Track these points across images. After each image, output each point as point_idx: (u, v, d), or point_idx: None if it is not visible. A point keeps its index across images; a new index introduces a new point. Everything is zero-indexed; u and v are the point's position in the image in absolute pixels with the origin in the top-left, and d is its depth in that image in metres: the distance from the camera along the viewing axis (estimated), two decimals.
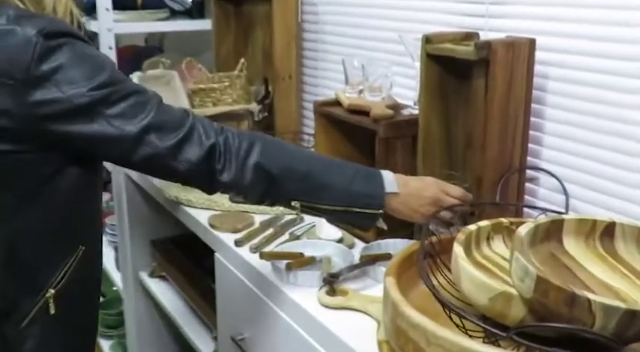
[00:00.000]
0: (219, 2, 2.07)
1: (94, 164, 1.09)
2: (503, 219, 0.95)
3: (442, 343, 0.74)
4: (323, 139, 1.50)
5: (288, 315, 1.13)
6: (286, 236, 1.36)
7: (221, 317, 1.43)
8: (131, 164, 1.03)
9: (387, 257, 1.16)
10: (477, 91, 1.18)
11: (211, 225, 1.42)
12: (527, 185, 1.26)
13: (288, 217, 1.43)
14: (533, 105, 1.20)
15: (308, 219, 1.39)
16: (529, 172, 1.25)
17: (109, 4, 2.03)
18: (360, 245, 1.29)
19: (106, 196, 2.48)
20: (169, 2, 2.29)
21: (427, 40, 1.21)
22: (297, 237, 1.34)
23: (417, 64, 1.29)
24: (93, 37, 2.04)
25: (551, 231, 0.88)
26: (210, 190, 1.07)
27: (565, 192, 1.15)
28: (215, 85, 1.81)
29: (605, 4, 1.13)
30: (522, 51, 1.15)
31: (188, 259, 1.80)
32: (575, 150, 1.20)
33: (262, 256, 1.20)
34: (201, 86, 1.82)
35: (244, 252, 1.29)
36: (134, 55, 2.55)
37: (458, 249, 0.84)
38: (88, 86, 0.95)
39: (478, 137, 1.18)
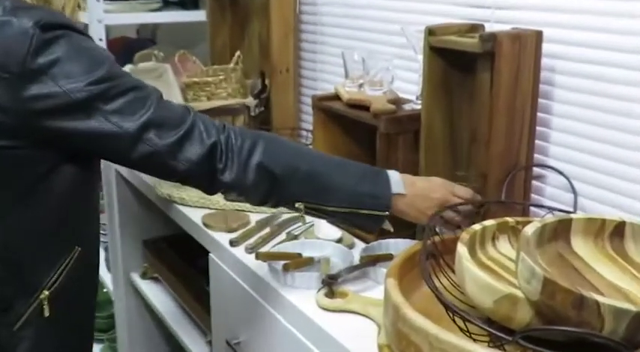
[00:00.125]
0: None
1: (91, 161, 1.09)
2: (508, 219, 0.95)
3: (445, 347, 0.74)
4: (322, 135, 1.50)
5: (285, 318, 1.13)
6: (283, 235, 1.36)
7: (215, 320, 1.43)
8: (129, 162, 1.03)
9: (388, 257, 1.16)
10: (482, 85, 1.18)
11: (205, 224, 1.42)
12: (534, 183, 1.26)
13: (285, 216, 1.43)
14: (540, 100, 1.20)
15: (306, 217, 1.39)
16: (536, 170, 1.25)
17: None
18: (360, 245, 1.29)
19: None
20: None
21: (430, 32, 1.21)
22: (295, 237, 1.34)
23: (420, 57, 1.29)
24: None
25: (559, 231, 0.88)
26: (210, 190, 1.07)
27: (573, 190, 1.15)
28: (210, 79, 1.80)
29: None
30: (529, 43, 1.15)
31: (181, 260, 1.80)
32: (584, 147, 1.20)
33: (258, 257, 1.20)
34: (195, 80, 1.81)
35: (240, 252, 1.29)
36: (125, 47, 2.55)
37: (462, 250, 0.84)
38: (85, 81, 0.95)
39: (483, 133, 1.18)
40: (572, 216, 0.91)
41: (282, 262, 1.16)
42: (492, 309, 0.78)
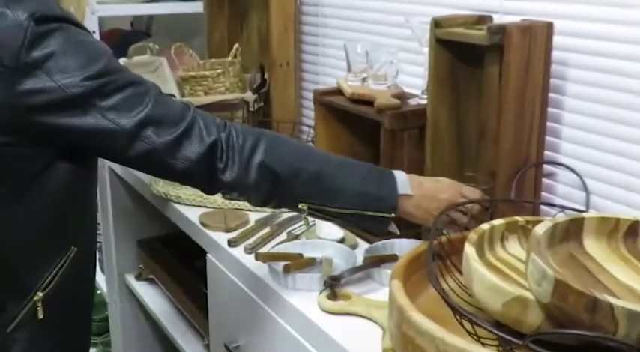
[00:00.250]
0: None
1: (88, 159, 1.09)
2: (518, 218, 0.95)
3: (452, 351, 0.74)
4: (323, 131, 1.50)
5: (285, 321, 1.13)
6: (284, 235, 1.36)
7: (213, 323, 1.43)
8: (126, 160, 1.03)
9: (392, 258, 1.16)
10: (490, 79, 1.18)
11: (202, 224, 1.42)
12: (545, 181, 1.26)
13: (285, 215, 1.43)
14: (550, 95, 1.20)
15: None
16: (546, 167, 1.25)
17: None
18: (363, 245, 1.29)
19: None
20: None
21: (436, 23, 1.21)
22: (296, 237, 1.34)
23: (426, 50, 1.29)
24: None
25: (571, 231, 0.88)
26: (210, 190, 1.07)
27: (585, 188, 1.15)
28: (207, 73, 1.81)
29: None
30: (539, 35, 1.15)
31: (177, 260, 1.80)
32: (597, 143, 1.20)
33: (258, 257, 1.20)
34: (192, 73, 1.82)
35: (238, 252, 1.29)
36: (119, 39, 2.54)
37: (469, 250, 0.84)
38: (81, 75, 0.95)
39: (491, 129, 1.18)
40: (585, 215, 0.91)
41: (283, 263, 1.16)
42: (501, 312, 0.78)
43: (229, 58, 1.87)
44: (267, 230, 1.38)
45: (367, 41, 1.59)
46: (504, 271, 0.88)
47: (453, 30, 1.20)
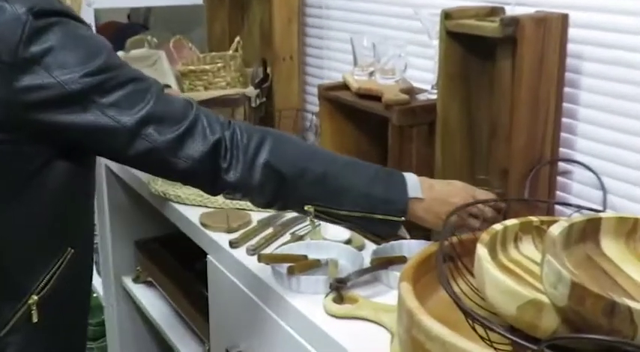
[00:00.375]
0: None
1: (87, 158, 1.10)
2: (532, 218, 0.95)
3: None
4: (328, 127, 1.50)
5: (289, 325, 1.13)
6: (287, 236, 1.36)
7: (214, 327, 1.43)
8: (126, 159, 1.03)
9: (401, 260, 1.16)
10: (502, 73, 1.18)
11: (203, 224, 1.42)
12: (560, 179, 1.26)
13: (289, 215, 1.43)
14: (565, 89, 1.20)
15: None
16: (561, 165, 1.25)
17: None
18: (370, 246, 1.29)
19: None
20: None
21: (447, 15, 1.21)
22: (300, 238, 1.34)
23: (435, 43, 1.29)
24: None
25: (587, 231, 0.88)
26: (213, 191, 1.08)
27: (602, 187, 1.15)
28: (207, 67, 1.81)
29: None
30: (554, 28, 1.14)
31: (177, 262, 1.80)
32: (614, 140, 1.20)
33: (261, 259, 1.20)
34: (192, 68, 1.82)
35: (240, 254, 1.29)
36: (116, 32, 2.55)
37: (482, 251, 0.84)
38: (81, 71, 0.96)
39: (504, 125, 1.18)
40: (602, 215, 0.91)
41: (287, 265, 1.16)
42: (515, 316, 0.78)
43: (230, 52, 1.87)
44: (270, 230, 1.38)
45: (374, 34, 1.59)
46: (518, 273, 0.87)
47: (464, 22, 1.20)
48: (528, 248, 0.93)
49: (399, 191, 1.09)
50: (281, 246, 1.30)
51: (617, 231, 0.89)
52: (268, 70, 1.89)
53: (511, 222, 0.93)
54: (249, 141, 1.05)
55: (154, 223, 1.93)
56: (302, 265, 1.17)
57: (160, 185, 1.57)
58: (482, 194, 1.13)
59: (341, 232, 1.31)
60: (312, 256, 1.22)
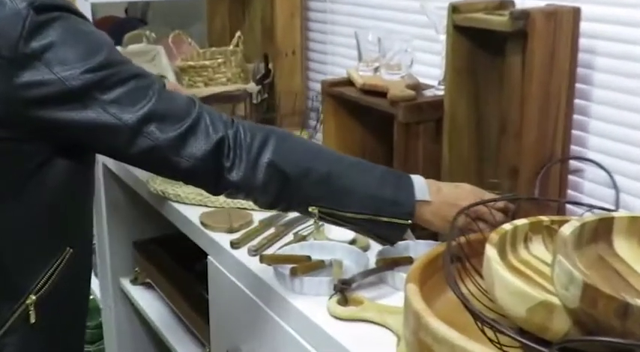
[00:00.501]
0: None
1: (87, 156, 1.10)
2: (543, 217, 0.95)
3: None
4: (332, 124, 1.50)
5: (292, 327, 1.13)
6: (290, 236, 1.36)
7: (215, 329, 1.43)
8: (127, 157, 1.04)
9: (407, 261, 1.16)
10: (512, 69, 1.17)
11: (203, 224, 1.42)
12: (571, 177, 1.26)
13: (291, 215, 1.43)
14: (577, 85, 1.20)
15: None
16: (573, 163, 1.25)
17: None
18: (375, 247, 1.28)
19: None
20: None
21: (454, 9, 1.21)
22: (303, 238, 1.34)
23: (443, 37, 1.29)
24: None
25: (600, 231, 0.88)
26: (216, 190, 1.08)
27: (615, 185, 1.15)
28: (207, 62, 1.81)
29: None
30: (565, 21, 1.14)
31: (176, 263, 1.80)
32: (627, 138, 1.20)
33: (263, 260, 1.20)
34: (191, 63, 1.82)
35: (242, 254, 1.29)
36: (113, 27, 2.55)
37: (491, 252, 0.84)
38: (82, 68, 0.96)
39: (514, 122, 1.18)
40: (614, 214, 0.91)
41: (289, 266, 1.16)
42: (525, 318, 0.78)
43: (231, 47, 1.87)
44: (272, 230, 1.38)
45: (379, 28, 1.59)
46: (528, 274, 0.87)
47: (473, 15, 1.20)
48: (539, 248, 0.93)
49: (406, 193, 1.09)
50: (283, 246, 1.30)
51: (630, 230, 0.89)
52: (270, 66, 1.89)
53: (521, 221, 0.93)
54: (252, 140, 1.05)
55: (152, 223, 1.93)
56: (305, 266, 1.17)
57: (159, 184, 1.57)
58: (492, 197, 1.13)
59: (345, 232, 1.31)
60: (315, 257, 1.22)
